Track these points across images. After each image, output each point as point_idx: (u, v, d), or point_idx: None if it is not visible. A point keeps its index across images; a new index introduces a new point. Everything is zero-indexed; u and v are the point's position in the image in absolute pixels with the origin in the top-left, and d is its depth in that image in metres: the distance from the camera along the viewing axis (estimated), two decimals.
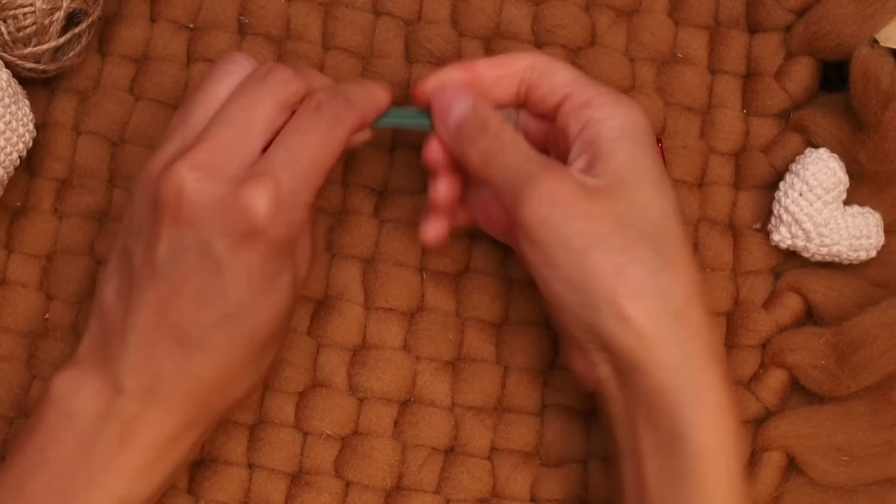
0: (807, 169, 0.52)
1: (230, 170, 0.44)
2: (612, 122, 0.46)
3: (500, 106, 0.49)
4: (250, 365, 0.46)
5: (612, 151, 0.45)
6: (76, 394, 0.45)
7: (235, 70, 0.47)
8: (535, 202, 0.44)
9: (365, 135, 0.49)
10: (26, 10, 0.51)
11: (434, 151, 0.49)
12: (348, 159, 0.55)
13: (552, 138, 0.49)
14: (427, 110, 0.49)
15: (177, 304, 0.44)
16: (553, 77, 0.48)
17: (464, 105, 0.47)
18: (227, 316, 0.44)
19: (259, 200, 0.43)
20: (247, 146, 0.44)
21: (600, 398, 0.48)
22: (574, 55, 0.56)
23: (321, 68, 0.56)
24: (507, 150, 0.46)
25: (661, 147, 0.55)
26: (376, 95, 0.49)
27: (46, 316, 0.54)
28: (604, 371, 0.46)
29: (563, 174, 0.45)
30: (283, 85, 0.46)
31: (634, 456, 0.45)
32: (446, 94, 0.48)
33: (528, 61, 0.49)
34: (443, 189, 0.50)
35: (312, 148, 0.45)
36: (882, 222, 0.53)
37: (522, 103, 0.50)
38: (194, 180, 0.43)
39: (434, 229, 0.50)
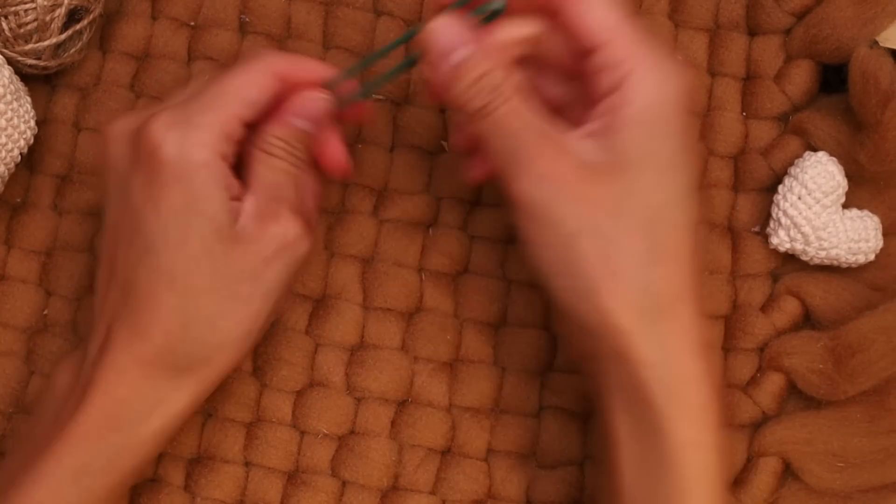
0: (805, 172, 0.52)
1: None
2: (639, 95, 0.42)
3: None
4: (187, 318, 0.44)
5: (626, 128, 0.42)
6: (61, 371, 0.46)
7: None
8: (529, 181, 0.42)
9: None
10: (27, 6, 0.51)
11: (461, 140, 0.48)
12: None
13: (568, 101, 0.46)
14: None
15: (115, 253, 0.45)
16: (586, 16, 0.43)
17: (460, 53, 0.43)
18: (145, 252, 0.44)
19: (156, 122, 0.44)
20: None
21: (585, 373, 0.47)
22: None
23: None
24: (504, 111, 0.43)
25: None
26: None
27: (45, 312, 0.54)
28: (585, 350, 0.45)
29: (561, 151, 0.42)
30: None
31: (610, 440, 0.44)
32: (438, 33, 0.44)
33: None
34: (473, 171, 0.49)
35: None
36: (881, 225, 0.53)
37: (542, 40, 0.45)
38: (118, 122, 0.46)
39: (476, 169, 0.49)
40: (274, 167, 0.46)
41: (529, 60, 0.46)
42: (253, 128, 0.47)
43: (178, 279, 0.44)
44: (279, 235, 0.45)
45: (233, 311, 0.45)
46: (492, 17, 0.44)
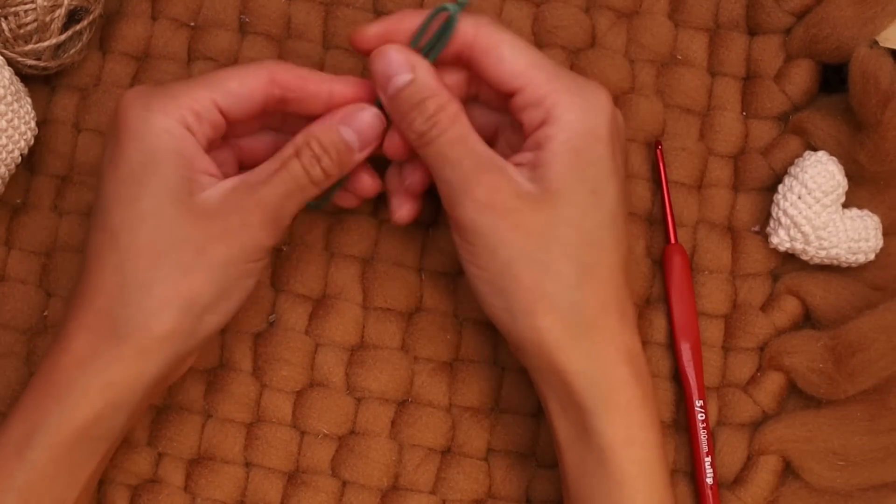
0: (805, 172, 0.52)
1: None
2: (563, 126, 0.45)
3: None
4: (124, 279, 0.44)
5: (554, 159, 0.45)
6: None
7: None
8: (470, 209, 0.45)
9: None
10: (27, 6, 0.51)
11: (395, 142, 0.48)
12: None
13: (502, 127, 0.49)
14: None
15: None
16: (500, 65, 0.46)
17: (403, 76, 0.45)
18: (99, 212, 0.45)
19: (133, 90, 0.46)
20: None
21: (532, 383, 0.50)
22: (574, 56, 0.56)
23: (321, 67, 0.56)
24: (446, 140, 0.45)
25: (660, 150, 0.55)
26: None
27: (45, 313, 0.54)
28: (524, 363, 0.48)
29: (499, 179, 0.45)
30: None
31: (556, 445, 0.47)
32: (387, 58, 0.46)
33: (469, 33, 0.46)
34: (410, 177, 0.50)
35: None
36: (881, 225, 0.53)
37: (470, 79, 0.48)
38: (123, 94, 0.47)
39: (406, 210, 0.51)
40: (290, 170, 0.46)
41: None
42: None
43: (121, 238, 0.44)
44: (234, 222, 0.45)
45: (169, 279, 0.44)
46: (446, 29, 0.46)
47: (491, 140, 0.49)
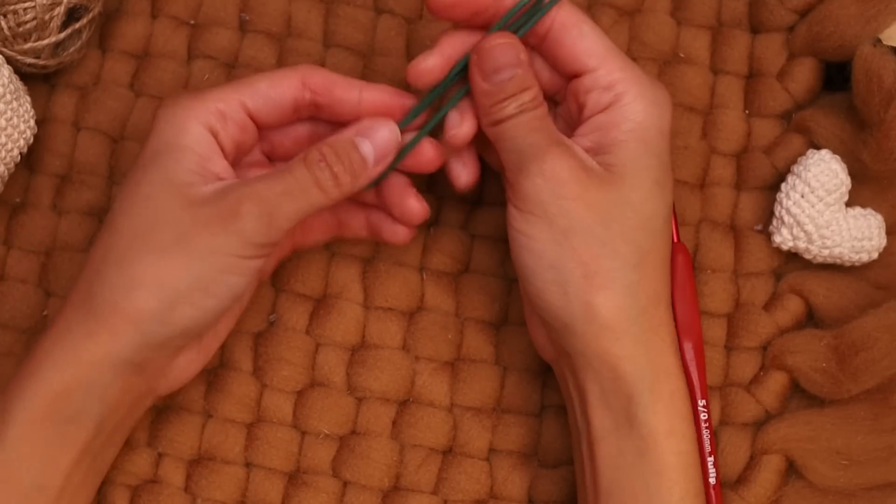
0: (808, 170, 0.52)
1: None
2: (630, 116, 0.46)
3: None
4: (105, 253, 0.45)
5: (621, 146, 0.46)
6: None
7: None
8: (535, 176, 0.45)
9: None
10: (26, 5, 0.51)
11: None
12: None
13: (562, 94, 0.49)
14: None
15: None
16: (579, 42, 0.47)
17: (510, 71, 0.46)
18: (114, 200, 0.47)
19: (166, 101, 0.47)
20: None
21: (557, 373, 0.50)
22: None
23: (321, 66, 0.55)
24: (525, 118, 0.46)
25: None
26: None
27: (45, 312, 0.54)
28: (559, 349, 0.47)
29: (569, 155, 0.46)
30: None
31: (587, 436, 0.47)
32: (497, 50, 0.46)
33: (554, 11, 0.47)
34: (467, 126, 0.48)
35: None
36: (884, 224, 0.53)
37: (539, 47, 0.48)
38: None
39: (466, 172, 0.50)
40: (293, 171, 0.45)
41: None
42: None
43: (116, 219, 0.45)
44: (224, 210, 0.44)
45: (145, 258, 0.44)
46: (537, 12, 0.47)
47: None
